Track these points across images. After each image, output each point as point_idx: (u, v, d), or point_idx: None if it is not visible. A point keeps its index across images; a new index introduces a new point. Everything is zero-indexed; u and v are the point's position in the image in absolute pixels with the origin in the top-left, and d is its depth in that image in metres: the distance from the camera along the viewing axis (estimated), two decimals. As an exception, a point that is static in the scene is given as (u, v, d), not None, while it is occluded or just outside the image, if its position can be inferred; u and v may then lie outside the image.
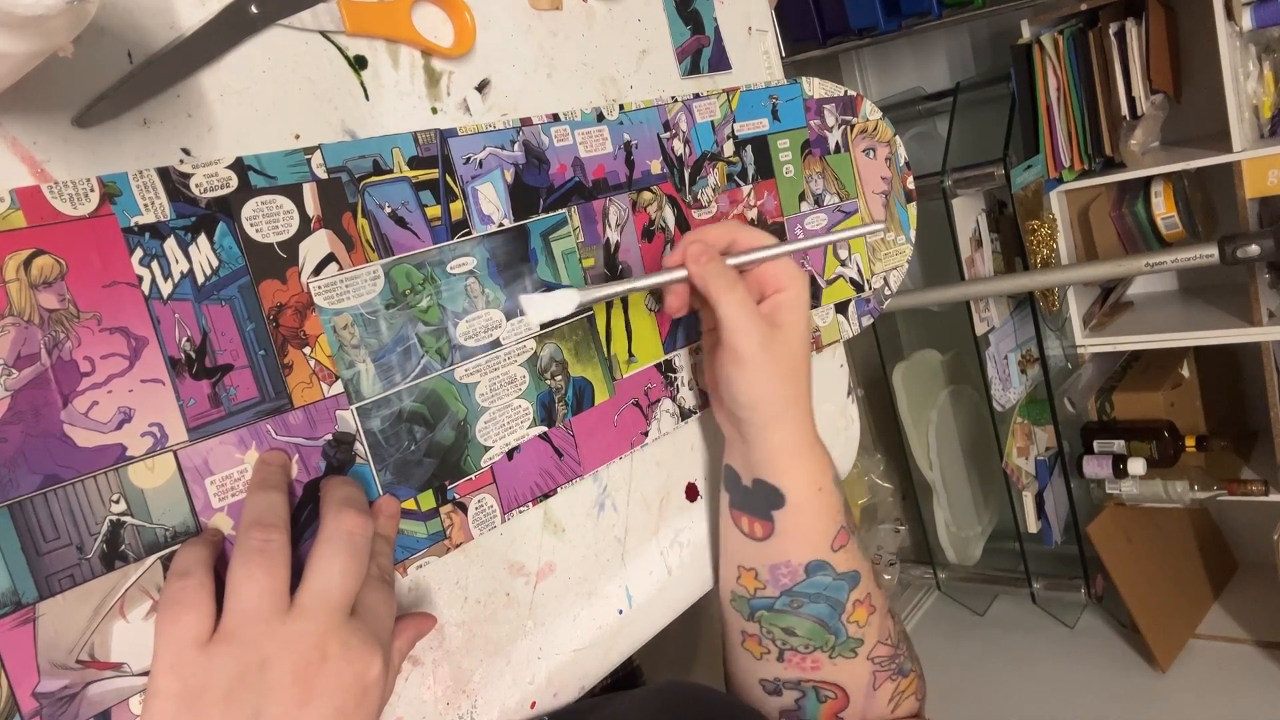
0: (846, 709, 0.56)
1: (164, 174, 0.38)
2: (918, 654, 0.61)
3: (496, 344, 0.49)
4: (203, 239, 0.39)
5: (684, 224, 0.60)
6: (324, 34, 0.43)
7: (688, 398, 0.60)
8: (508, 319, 0.50)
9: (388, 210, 0.45)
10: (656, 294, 0.58)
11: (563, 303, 0.48)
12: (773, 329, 0.51)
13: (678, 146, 0.60)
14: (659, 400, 0.58)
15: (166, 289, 0.38)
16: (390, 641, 0.40)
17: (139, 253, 0.37)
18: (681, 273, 0.52)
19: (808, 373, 0.54)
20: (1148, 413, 2.03)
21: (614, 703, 0.54)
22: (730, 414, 0.54)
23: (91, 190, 0.36)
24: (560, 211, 0.53)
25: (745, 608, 0.56)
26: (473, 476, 0.48)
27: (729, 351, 0.51)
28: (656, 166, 0.58)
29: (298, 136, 0.42)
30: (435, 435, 0.46)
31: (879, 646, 0.56)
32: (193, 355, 0.38)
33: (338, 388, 0.43)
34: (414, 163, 0.46)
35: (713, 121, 0.62)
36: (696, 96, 0.61)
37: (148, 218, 0.37)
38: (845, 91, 0.72)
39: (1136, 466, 1.96)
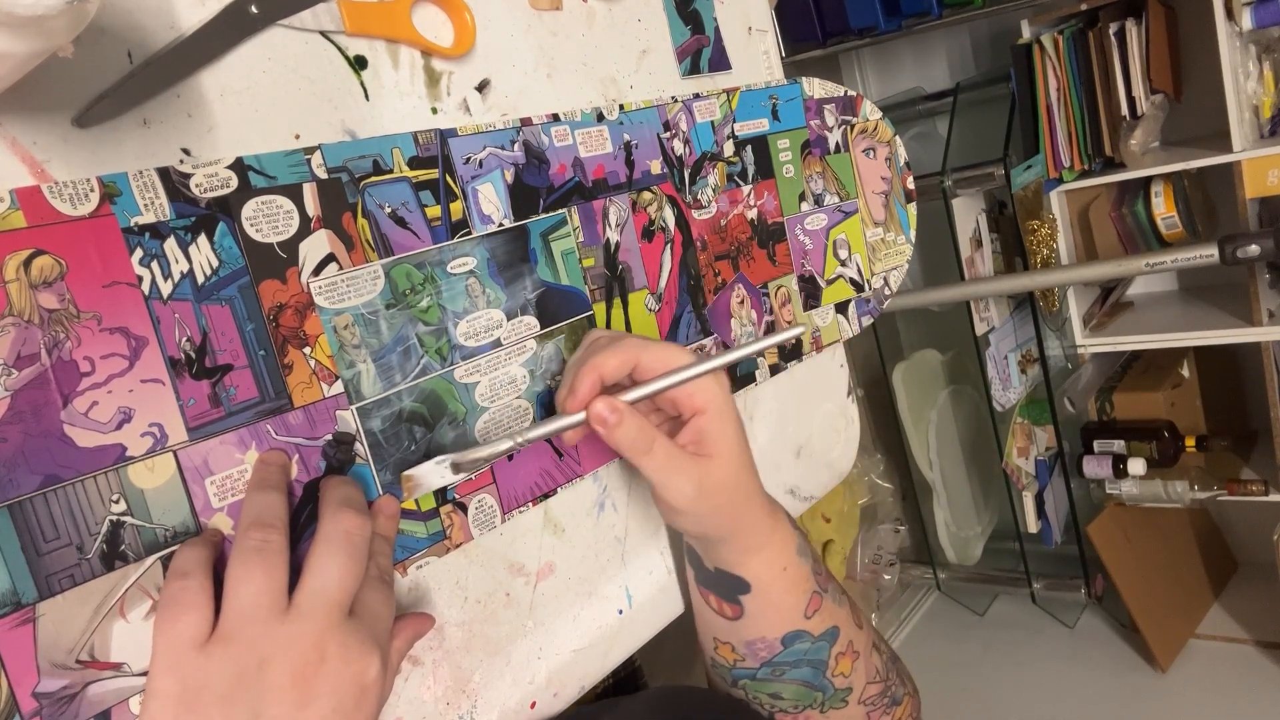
0: None
1: (164, 174, 0.38)
2: (907, 670, 0.61)
3: (497, 344, 0.49)
4: (203, 239, 0.39)
5: (684, 224, 0.60)
6: (324, 34, 0.43)
7: (688, 398, 0.60)
8: (508, 319, 0.50)
9: (388, 210, 0.45)
10: (657, 295, 0.58)
11: (442, 473, 0.44)
12: (703, 464, 0.48)
13: (678, 146, 0.60)
14: (659, 400, 0.58)
15: (166, 289, 0.38)
16: (389, 642, 0.40)
17: (139, 253, 0.37)
18: (578, 418, 0.47)
19: (751, 479, 0.51)
20: (1148, 413, 2.03)
21: (618, 707, 0.54)
22: (678, 529, 0.53)
23: (91, 190, 0.36)
24: (560, 211, 0.53)
25: (727, 675, 0.56)
26: (473, 476, 0.48)
27: (663, 504, 0.49)
28: (656, 166, 0.58)
29: (298, 136, 0.42)
30: (435, 435, 0.46)
31: (868, 688, 0.56)
32: (193, 355, 0.38)
33: (338, 388, 0.43)
34: (414, 163, 0.46)
35: (713, 121, 0.62)
36: (696, 96, 0.61)
37: (148, 218, 0.37)
38: (845, 91, 0.72)
39: (1136, 466, 1.96)
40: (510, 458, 0.49)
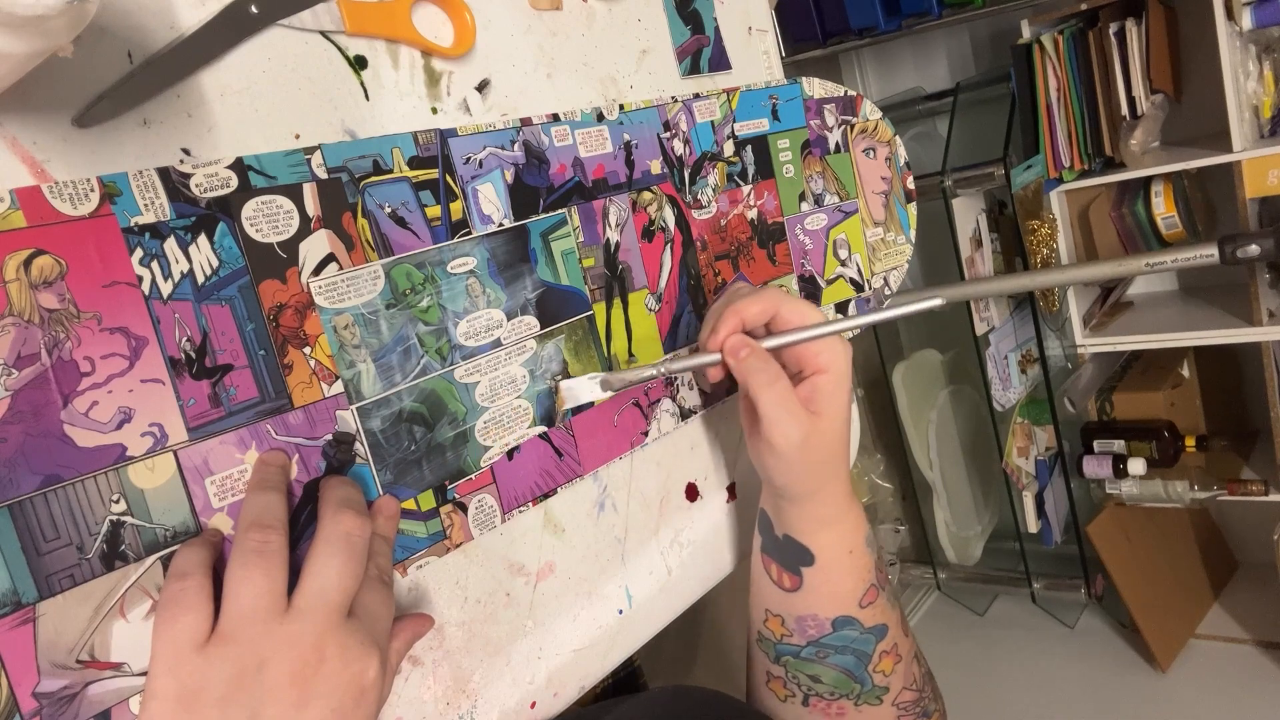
0: None
1: (164, 174, 0.38)
2: (939, 691, 0.61)
3: (497, 344, 0.49)
4: (203, 239, 0.39)
5: (684, 224, 0.60)
6: (324, 34, 0.43)
7: (688, 397, 0.60)
8: (508, 319, 0.50)
9: (388, 210, 0.45)
10: (657, 295, 0.58)
11: (592, 389, 0.51)
12: (811, 419, 0.50)
13: (678, 146, 0.60)
14: (659, 400, 0.58)
15: (166, 289, 0.38)
16: (388, 642, 0.40)
17: (139, 253, 0.37)
18: (715, 357, 0.51)
19: (845, 451, 0.53)
20: (1148, 413, 2.02)
21: (621, 706, 0.54)
22: (765, 478, 0.54)
23: (91, 190, 0.36)
24: (560, 211, 0.53)
25: (771, 650, 0.57)
26: (473, 476, 0.48)
27: (766, 443, 0.51)
28: (656, 166, 0.58)
29: (298, 136, 0.42)
30: (435, 435, 0.46)
31: (904, 692, 0.56)
32: (193, 355, 0.38)
33: (338, 388, 0.43)
34: (414, 163, 0.46)
35: (713, 121, 0.62)
36: (696, 96, 0.61)
37: (148, 218, 0.37)
38: (845, 91, 0.72)
39: (1136, 466, 1.96)
40: (513, 454, 0.49)
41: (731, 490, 0.64)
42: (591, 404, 0.53)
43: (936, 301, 0.53)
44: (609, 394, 0.49)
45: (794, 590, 0.54)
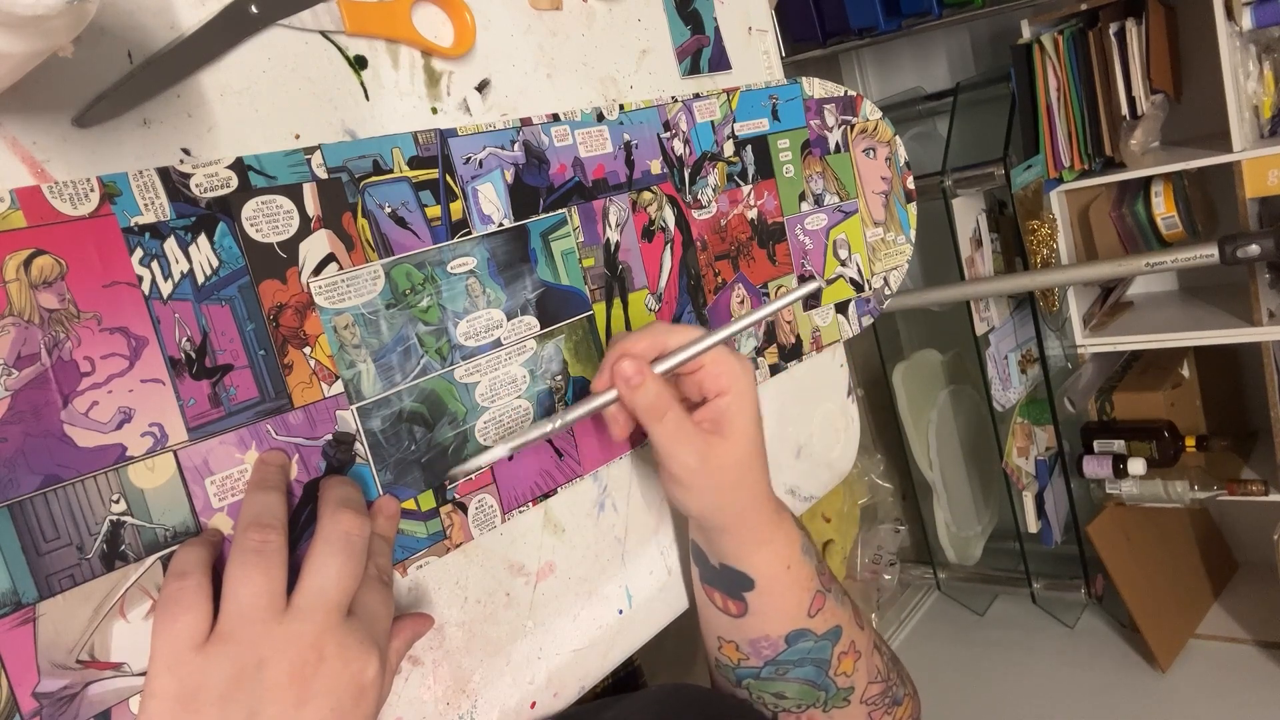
0: None
1: (164, 174, 0.38)
2: (907, 672, 0.61)
3: (497, 344, 0.49)
4: (203, 239, 0.39)
5: (684, 224, 0.60)
6: (324, 34, 0.43)
7: (688, 398, 0.60)
8: (508, 319, 0.50)
9: (388, 210, 0.45)
10: (657, 295, 0.58)
11: (490, 456, 0.46)
12: (713, 441, 0.49)
13: (678, 146, 0.60)
14: (659, 400, 0.58)
15: (166, 289, 0.38)
16: (388, 642, 0.40)
17: (139, 253, 0.37)
18: (611, 394, 0.48)
19: (760, 468, 0.52)
20: (1148, 413, 2.02)
21: (619, 704, 0.54)
22: (681, 508, 0.53)
23: (91, 190, 0.36)
24: (560, 212, 0.53)
25: (731, 674, 0.56)
26: (473, 476, 0.48)
27: (669, 475, 0.50)
28: (656, 166, 0.58)
29: (298, 136, 0.42)
30: (435, 435, 0.46)
31: (870, 687, 0.56)
32: (193, 355, 0.38)
33: (338, 387, 0.43)
34: (414, 163, 0.46)
35: (713, 121, 0.62)
36: (696, 96, 0.61)
37: (148, 218, 0.37)
38: (845, 91, 0.72)
39: (1136, 466, 1.96)
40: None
41: (731, 490, 0.64)
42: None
43: (816, 284, 0.55)
44: (508, 455, 0.46)
45: (741, 616, 0.54)
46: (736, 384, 0.50)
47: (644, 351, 0.49)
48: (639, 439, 0.57)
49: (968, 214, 1.91)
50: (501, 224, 0.50)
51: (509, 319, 0.50)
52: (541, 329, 0.51)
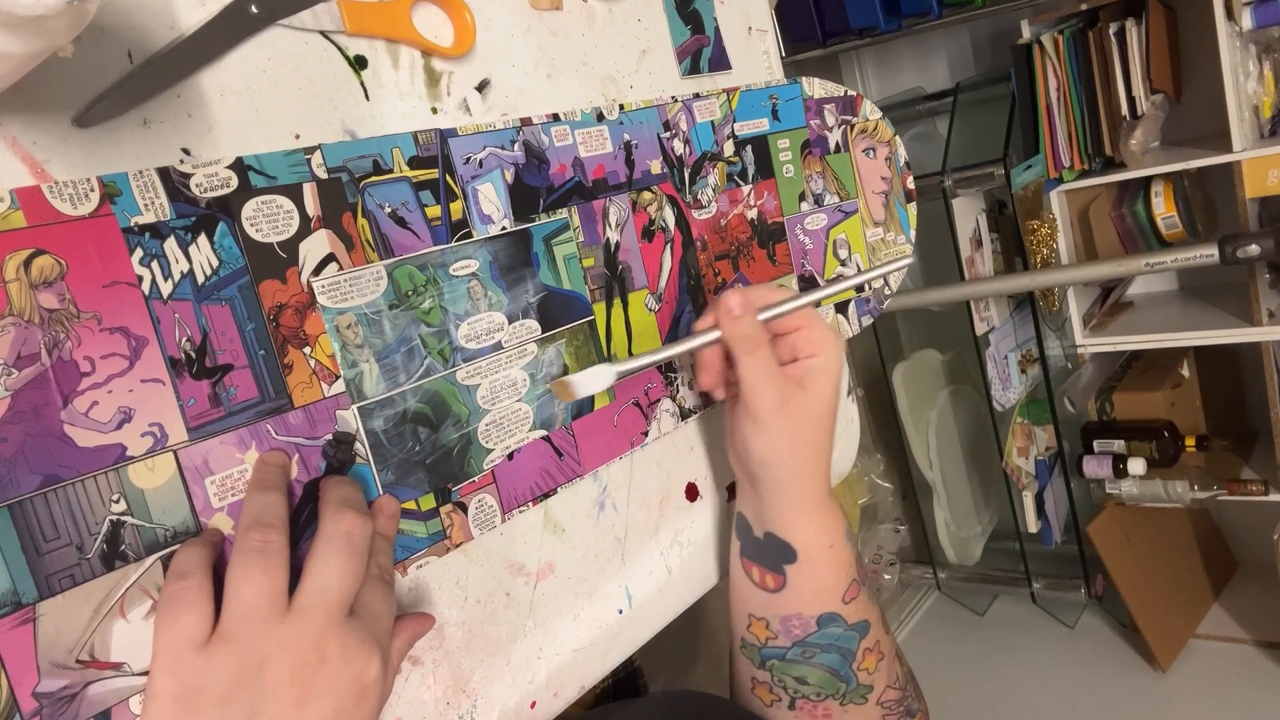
0: None
1: (164, 174, 0.38)
2: (921, 691, 0.62)
3: (498, 346, 0.49)
4: (203, 239, 0.39)
5: (684, 224, 0.60)
6: (324, 34, 0.43)
7: (688, 398, 0.60)
8: (510, 322, 0.50)
9: (388, 210, 0.45)
10: (657, 295, 0.58)
11: (599, 379, 0.48)
12: (795, 391, 0.51)
13: (678, 146, 0.60)
14: (659, 400, 0.58)
15: (166, 289, 0.38)
16: (389, 641, 0.40)
17: (139, 253, 0.37)
18: (716, 334, 0.51)
19: (828, 436, 0.53)
20: (1148, 413, 2.02)
21: (623, 710, 0.54)
22: (744, 466, 0.54)
23: (91, 190, 0.36)
24: (563, 217, 0.53)
25: (756, 656, 0.56)
26: (475, 479, 0.48)
27: (745, 409, 0.51)
28: (656, 166, 0.58)
29: (298, 136, 0.42)
30: (440, 436, 0.46)
31: (888, 691, 0.56)
32: (193, 355, 0.38)
33: (338, 387, 0.43)
34: (414, 163, 0.46)
35: (713, 121, 0.62)
36: (696, 96, 0.61)
37: (148, 218, 0.37)
38: (845, 91, 0.72)
39: (1136, 466, 1.96)
40: (513, 454, 0.49)
41: (731, 490, 0.64)
42: (591, 400, 0.53)
43: (908, 260, 0.59)
44: (616, 381, 0.48)
45: (778, 590, 0.54)
46: (828, 350, 0.53)
47: (748, 299, 0.52)
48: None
49: (968, 214, 1.91)
50: (503, 226, 0.50)
51: (510, 322, 0.50)
52: (542, 333, 0.51)
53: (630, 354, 0.56)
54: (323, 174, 0.43)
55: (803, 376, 0.52)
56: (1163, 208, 1.87)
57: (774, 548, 0.54)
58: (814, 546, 0.53)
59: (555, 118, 0.53)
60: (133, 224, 0.37)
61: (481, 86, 0.50)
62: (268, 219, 0.41)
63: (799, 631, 0.54)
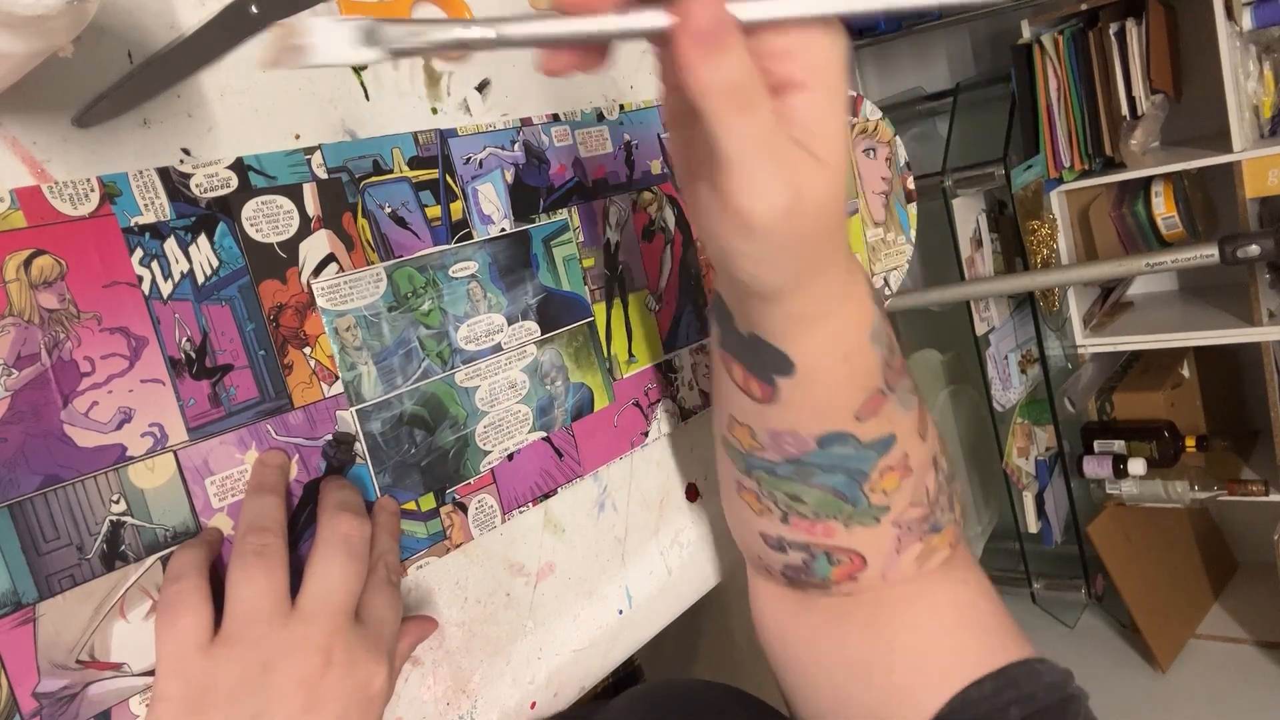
0: (864, 571, 0.45)
1: (164, 174, 0.38)
2: (959, 490, 0.49)
3: (498, 348, 0.49)
4: (203, 239, 0.39)
5: (684, 224, 0.60)
6: (324, 34, 0.43)
7: (688, 398, 0.60)
8: (509, 323, 0.50)
9: (388, 210, 0.45)
10: (657, 295, 0.58)
11: (343, 40, 0.26)
12: (807, 167, 0.31)
13: (678, 146, 0.60)
14: (659, 400, 0.58)
15: (166, 289, 0.38)
16: (395, 646, 0.40)
17: (139, 253, 0.37)
18: (661, 20, 0.28)
19: (842, 208, 0.34)
20: (1148, 413, 2.03)
21: (607, 705, 0.53)
22: (719, 265, 0.38)
23: (91, 190, 0.36)
24: (562, 218, 0.53)
25: (740, 460, 0.45)
26: (471, 480, 0.48)
27: (731, 212, 0.32)
28: (657, 166, 0.58)
29: (298, 136, 0.42)
30: (435, 439, 0.46)
31: (909, 510, 0.44)
32: (193, 355, 0.38)
33: (338, 388, 0.43)
34: (414, 163, 0.46)
35: (713, 121, 0.62)
36: (697, 96, 0.61)
37: (148, 218, 0.37)
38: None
39: (1136, 466, 1.97)
40: (513, 454, 0.49)
41: (732, 490, 0.64)
42: (591, 401, 0.52)
43: None
44: (378, 55, 0.26)
45: (766, 401, 0.41)
46: (824, 71, 0.30)
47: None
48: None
49: (968, 214, 1.91)
50: (503, 227, 0.50)
51: (510, 324, 0.50)
52: (542, 334, 0.51)
53: (630, 355, 0.56)
54: (323, 174, 0.43)
55: (806, 130, 0.30)
56: (1163, 208, 1.87)
57: (762, 353, 0.39)
58: (820, 362, 0.39)
59: (555, 118, 0.53)
60: (133, 224, 0.37)
61: (481, 86, 0.50)
62: (268, 219, 0.41)
63: (792, 450, 0.42)
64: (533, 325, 0.51)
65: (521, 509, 0.50)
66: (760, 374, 0.40)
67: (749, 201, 0.31)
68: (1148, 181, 1.89)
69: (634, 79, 0.58)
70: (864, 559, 0.45)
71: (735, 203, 0.31)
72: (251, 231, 0.40)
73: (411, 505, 0.45)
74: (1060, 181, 1.92)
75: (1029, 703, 0.41)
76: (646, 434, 0.57)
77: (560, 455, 0.52)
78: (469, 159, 0.48)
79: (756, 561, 0.50)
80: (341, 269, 0.43)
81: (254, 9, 0.40)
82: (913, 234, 0.77)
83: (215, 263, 0.39)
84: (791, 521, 0.45)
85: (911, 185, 0.77)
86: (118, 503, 0.36)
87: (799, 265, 0.35)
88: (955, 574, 0.47)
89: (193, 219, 0.38)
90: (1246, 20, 1.65)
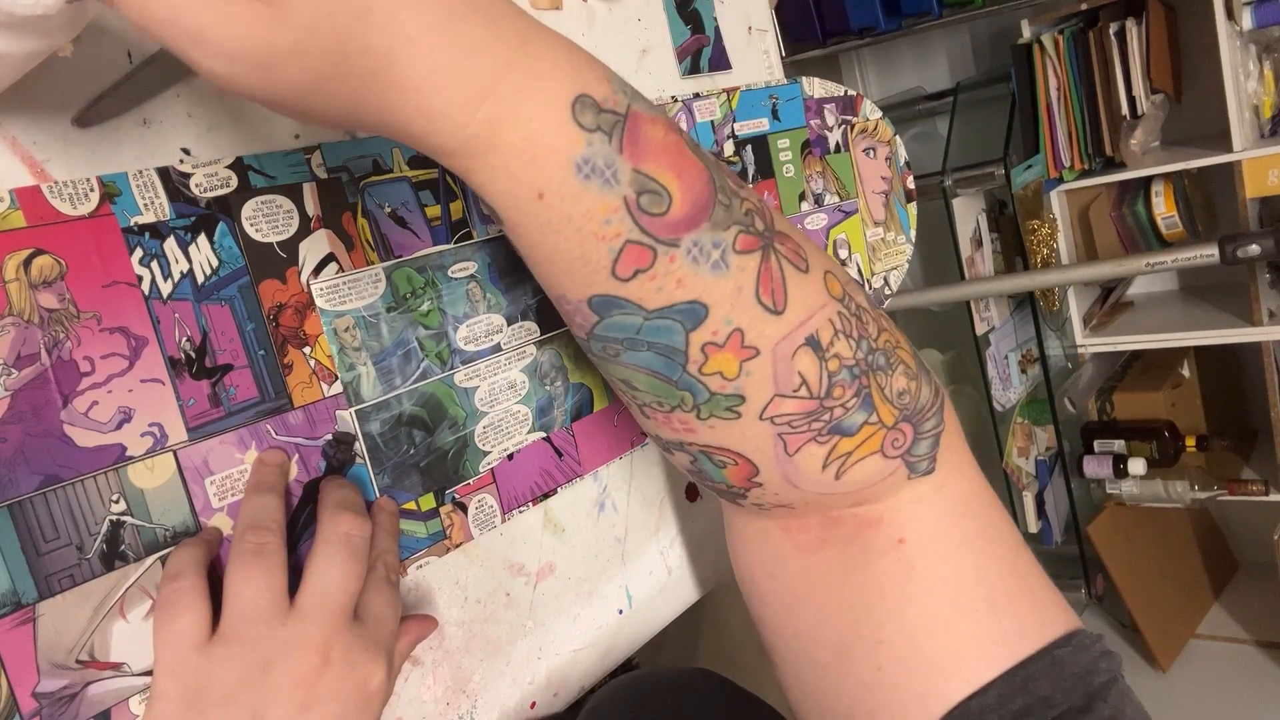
0: (759, 474, 0.40)
1: (164, 174, 0.38)
2: (922, 387, 0.42)
3: (497, 349, 0.49)
4: (202, 239, 0.39)
5: (684, 224, 0.60)
6: (324, 34, 0.43)
7: (688, 398, 0.60)
8: (509, 324, 0.50)
9: (388, 210, 0.45)
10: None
11: None
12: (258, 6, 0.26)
13: (678, 146, 0.60)
14: (659, 400, 0.58)
15: (166, 289, 0.38)
16: (394, 645, 0.40)
17: (139, 252, 0.37)
18: None
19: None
20: (1148, 413, 2.03)
21: (593, 696, 0.53)
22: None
23: (91, 190, 0.36)
24: (560, 211, 0.53)
25: (579, 340, 0.39)
26: (471, 481, 0.48)
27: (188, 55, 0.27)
28: (656, 166, 0.58)
29: (297, 136, 0.42)
30: (434, 439, 0.46)
31: (780, 401, 0.37)
32: (193, 355, 0.38)
33: (337, 387, 0.43)
34: (414, 162, 0.46)
35: (713, 121, 0.62)
36: (696, 96, 0.61)
37: (147, 217, 0.37)
38: (845, 91, 0.72)
39: (1137, 466, 1.97)
40: (513, 454, 0.49)
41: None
42: (591, 401, 0.51)
43: None
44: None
45: (520, 256, 0.36)
46: None
47: None
48: (639, 439, 0.57)
49: (968, 214, 1.91)
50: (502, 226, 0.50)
51: (509, 324, 0.50)
52: (541, 335, 0.51)
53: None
54: (322, 174, 0.43)
55: None
56: (1163, 208, 1.87)
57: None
58: (508, 203, 0.32)
59: (555, 118, 0.53)
60: (132, 224, 0.37)
61: (481, 86, 0.50)
62: (267, 219, 0.41)
63: (580, 320, 0.37)
64: (532, 325, 0.51)
65: (521, 509, 0.50)
66: (498, 225, 0.34)
67: (204, 60, 0.26)
68: (1148, 181, 1.89)
69: (634, 79, 0.58)
70: (748, 460, 0.39)
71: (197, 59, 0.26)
72: (251, 231, 0.40)
73: (411, 505, 0.45)
74: (1060, 181, 1.92)
75: (1044, 709, 0.35)
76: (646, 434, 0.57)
77: (560, 455, 0.52)
78: (469, 159, 0.48)
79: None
80: (341, 269, 0.43)
81: (254, 9, 0.40)
82: (913, 234, 0.77)
83: (215, 262, 0.39)
84: (648, 414, 0.40)
85: (911, 185, 0.77)
86: (117, 502, 0.36)
87: (322, 77, 0.27)
88: (958, 530, 0.40)
89: (192, 219, 0.38)
90: (1246, 20, 1.65)
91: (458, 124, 0.30)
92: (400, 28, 0.28)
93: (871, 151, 0.73)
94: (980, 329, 1.92)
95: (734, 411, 0.37)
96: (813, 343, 0.37)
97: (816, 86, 0.70)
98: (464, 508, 0.48)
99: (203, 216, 0.39)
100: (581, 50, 0.33)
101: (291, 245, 0.41)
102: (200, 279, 0.39)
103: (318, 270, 0.42)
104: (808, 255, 0.38)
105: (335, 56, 0.27)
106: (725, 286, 0.35)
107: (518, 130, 0.31)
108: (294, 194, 0.42)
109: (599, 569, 0.55)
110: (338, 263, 0.43)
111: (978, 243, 1.93)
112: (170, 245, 0.38)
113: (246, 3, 0.26)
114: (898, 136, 0.75)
